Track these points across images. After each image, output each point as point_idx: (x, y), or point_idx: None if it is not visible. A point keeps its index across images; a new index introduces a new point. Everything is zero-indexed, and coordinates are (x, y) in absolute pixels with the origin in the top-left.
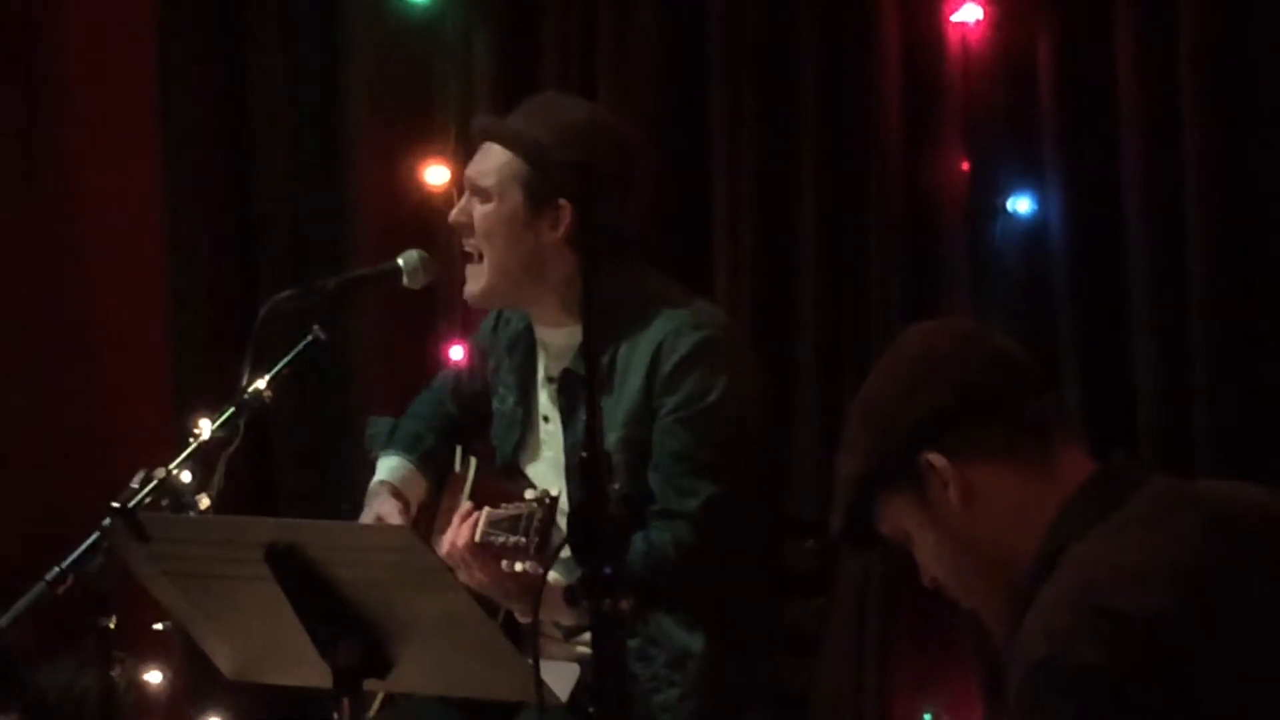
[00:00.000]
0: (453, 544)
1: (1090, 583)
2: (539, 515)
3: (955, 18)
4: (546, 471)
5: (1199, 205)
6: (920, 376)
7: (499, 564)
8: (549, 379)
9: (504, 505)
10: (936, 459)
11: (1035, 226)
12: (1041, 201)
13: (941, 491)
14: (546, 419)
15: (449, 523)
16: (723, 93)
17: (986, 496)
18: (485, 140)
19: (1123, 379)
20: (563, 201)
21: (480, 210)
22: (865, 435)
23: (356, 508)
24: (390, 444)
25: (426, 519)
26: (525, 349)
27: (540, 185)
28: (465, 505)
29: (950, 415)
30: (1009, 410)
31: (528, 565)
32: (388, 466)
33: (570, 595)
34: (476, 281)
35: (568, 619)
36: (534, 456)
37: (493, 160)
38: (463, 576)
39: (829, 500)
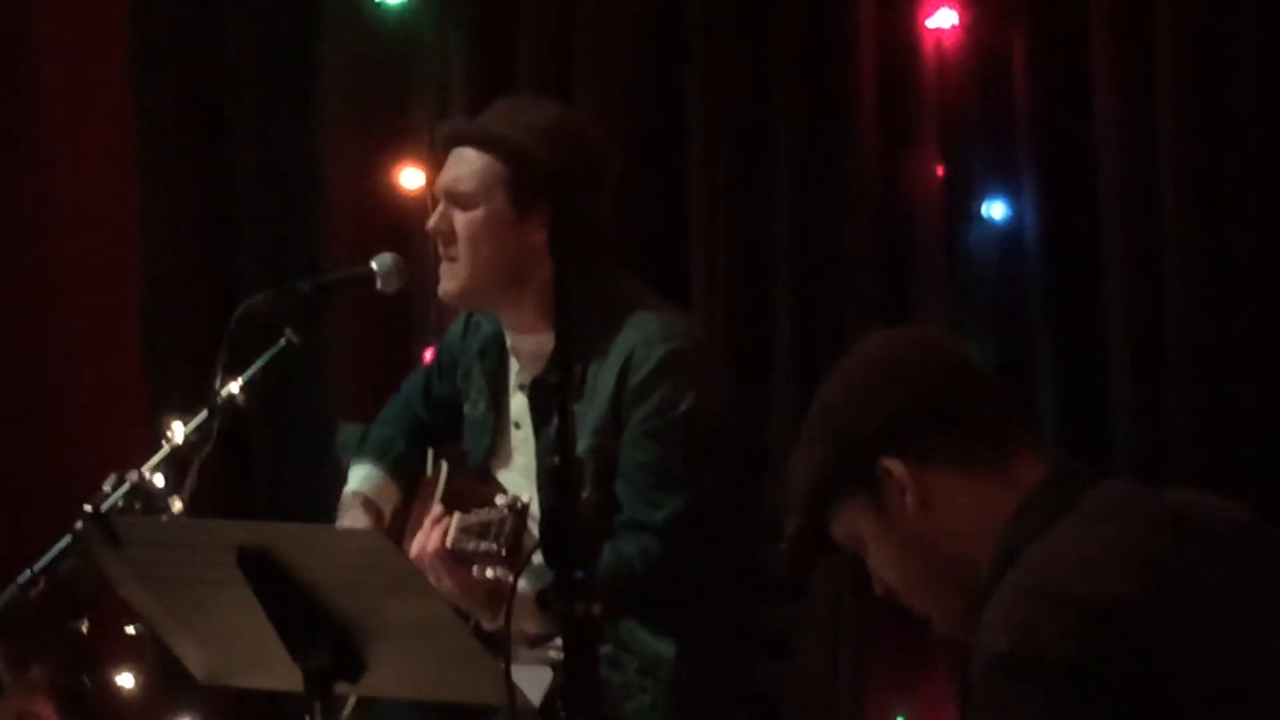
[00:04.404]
0: (422, 549)
1: (1047, 574)
2: (510, 522)
3: (930, 23)
4: (518, 478)
5: (1175, 210)
6: (877, 383)
7: (468, 570)
8: (520, 386)
9: (475, 511)
10: (894, 465)
11: (1010, 231)
12: (1016, 206)
13: (898, 497)
14: (518, 425)
15: (420, 527)
16: (698, 97)
17: (943, 502)
18: (457, 145)
19: (1097, 384)
20: (548, 203)
21: (463, 217)
22: (821, 442)
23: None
24: (361, 452)
25: (398, 524)
26: (496, 354)
27: (524, 187)
28: (436, 510)
29: (907, 421)
30: (965, 416)
31: (498, 571)
32: (359, 476)
33: (542, 600)
34: (453, 281)
35: (534, 627)
36: (505, 463)
37: (469, 165)
38: (430, 582)
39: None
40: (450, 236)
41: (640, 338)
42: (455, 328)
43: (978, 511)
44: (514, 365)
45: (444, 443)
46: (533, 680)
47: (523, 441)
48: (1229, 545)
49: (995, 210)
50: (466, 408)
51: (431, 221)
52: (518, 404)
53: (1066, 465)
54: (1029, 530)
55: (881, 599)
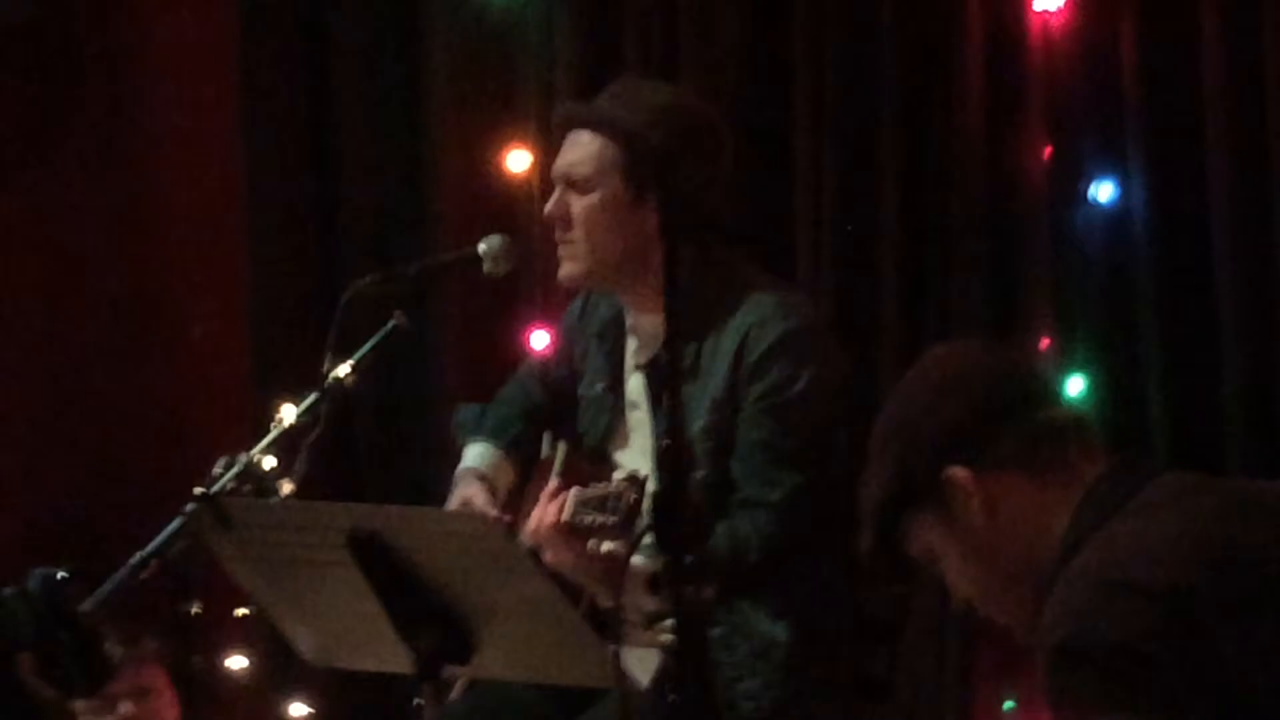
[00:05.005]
0: (539, 522)
1: (1106, 562)
2: (629, 495)
3: (1038, 4)
4: (635, 459)
5: None
6: (937, 396)
7: (585, 544)
8: (638, 366)
9: (593, 485)
10: (959, 473)
11: (1118, 213)
12: (1124, 188)
13: (966, 506)
14: (636, 406)
15: (537, 504)
16: (805, 79)
17: (1009, 506)
18: (574, 128)
19: (1208, 370)
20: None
21: (580, 202)
22: (888, 457)
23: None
24: (477, 431)
25: (515, 504)
26: (615, 335)
27: (639, 170)
28: (553, 484)
29: (968, 430)
30: (1024, 420)
31: (616, 545)
32: (475, 453)
33: (654, 582)
34: (573, 264)
35: (650, 605)
36: (623, 444)
37: (585, 149)
38: (547, 556)
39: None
40: (567, 221)
41: (757, 317)
42: (573, 309)
43: (1043, 513)
44: (632, 345)
45: (561, 426)
46: (642, 663)
47: (640, 423)
48: None
49: (1103, 192)
50: (583, 389)
51: (549, 206)
52: (635, 384)
53: (1127, 458)
54: (1090, 523)
55: (963, 613)
